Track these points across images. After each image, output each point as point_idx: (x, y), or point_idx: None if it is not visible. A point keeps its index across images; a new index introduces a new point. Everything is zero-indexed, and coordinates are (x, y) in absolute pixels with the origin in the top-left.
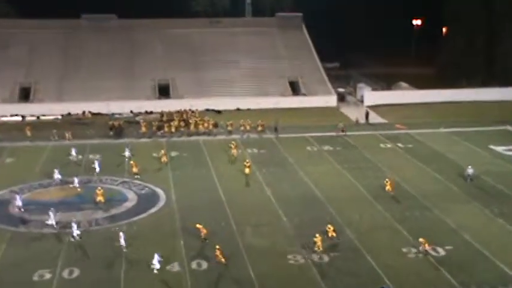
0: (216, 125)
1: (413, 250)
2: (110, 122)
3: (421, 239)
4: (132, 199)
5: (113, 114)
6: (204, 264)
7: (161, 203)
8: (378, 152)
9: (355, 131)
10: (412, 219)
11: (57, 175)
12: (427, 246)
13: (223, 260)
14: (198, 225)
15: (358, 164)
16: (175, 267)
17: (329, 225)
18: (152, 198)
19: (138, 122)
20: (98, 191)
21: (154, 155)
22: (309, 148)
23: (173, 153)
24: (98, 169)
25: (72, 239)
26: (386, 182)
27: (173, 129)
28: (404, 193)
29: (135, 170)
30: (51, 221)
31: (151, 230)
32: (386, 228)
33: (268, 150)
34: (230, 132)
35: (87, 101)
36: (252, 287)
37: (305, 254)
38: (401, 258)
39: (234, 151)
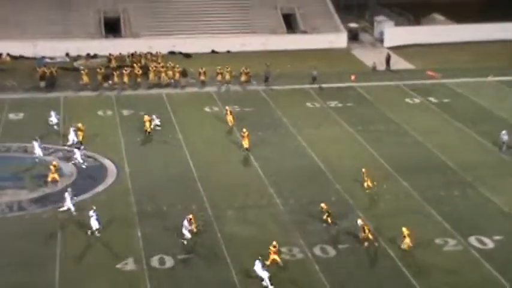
0: (184, 74)
1: (451, 242)
2: (40, 69)
3: (404, 230)
4: (70, 174)
5: (41, 58)
6: (169, 261)
7: (110, 180)
8: (403, 110)
9: (372, 81)
10: (449, 200)
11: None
12: (407, 240)
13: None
14: (189, 216)
15: (376, 126)
16: (129, 264)
17: (322, 205)
18: (98, 173)
19: (77, 69)
20: (52, 167)
21: (100, 113)
22: (309, 104)
23: (125, 112)
24: (55, 121)
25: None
26: (363, 173)
27: (125, 79)
28: (439, 165)
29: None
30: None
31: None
32: (414, 213)
33: (256, 108)
34: (203, 84)
35: (5, 39)
36: None
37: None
38: (434, 252)
39: (229, 117)
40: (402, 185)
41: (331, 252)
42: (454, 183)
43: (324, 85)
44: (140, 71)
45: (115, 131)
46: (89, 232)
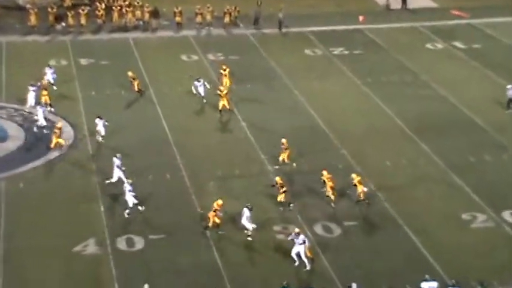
0: (155, 14)
1: (481, 217)
2: None
3: (354, 176)
4: (15, 138)
5: None
6: (139, 242)
7: (66, 144)
8: (423, 57)
9: (385, 23)
10: (478, 168)
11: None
12: (362, 188)
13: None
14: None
15: (389, 77)
16: (89, 247)
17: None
18: (50, 136)
19: (23, 9)
20: (56, 130)
21: (52, 63)
22: (309, 52)
23: (83, 61)
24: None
25: None
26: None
27: (83, 21)
28: (467, 124)
29: None
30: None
31: (48, 189)
32: (436, 182)
33: (243, 56)
34: (179, 26)
35: None
36: (218, 278)
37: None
38: (460, 229)
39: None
40: (421, 149)
41: (336, 230)
42: (484, 147)
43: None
44: (101, 11)
45: (71, 85)
46: (126, 212)
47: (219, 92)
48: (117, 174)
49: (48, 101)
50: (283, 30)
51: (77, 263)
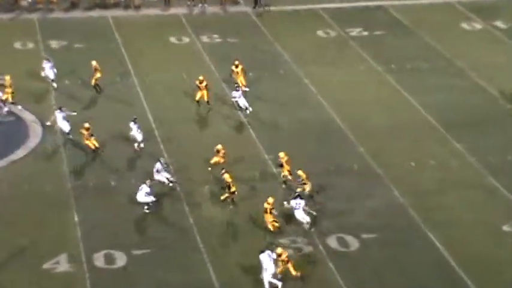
0: None
1: None
2: None
3: (281, 155)
4: None
5: None
6: (120, 258)
7: (33, 142)
8: (457, 39)
9: None
10: None
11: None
12: (286, 169)
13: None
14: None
15: (416, 63)
16: (61, 264)
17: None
18: (15, 133)
19: None
20: (84, 131)
21: (17, 46)
22: (321, 33)
23: (54, 44)
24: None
25: None
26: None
27: None
28: (509, 120)
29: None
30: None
31: (12, 195)
32: (472, 187)
33: (244, 39)
34: (167, 2)
35: None
36: None
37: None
38: (500, 243)
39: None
40: (454, 148)
41: (353, 244)
42: None
43: (270, 7)
44: None
45: (39, 73)
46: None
47: (197, 82)
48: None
49: (11, 100)
50: (261, 9)
51: (47, 283)
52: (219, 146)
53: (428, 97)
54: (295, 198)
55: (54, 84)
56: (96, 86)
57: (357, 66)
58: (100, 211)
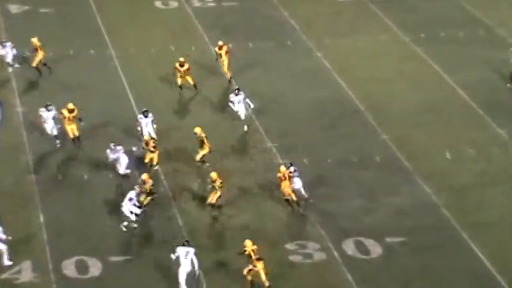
0: None
1: None
2: None
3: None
4: None
5: None
6: (94, 266)
7: None
8: (501, 3)
9: None
10: None
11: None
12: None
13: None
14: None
15: (450, 32)
16: (23, 273)
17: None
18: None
19: None
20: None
21: None
22: None
23: (14, 8)
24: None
25: None
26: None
27: None
28: None
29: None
30: None
31: None
32: None
33: (243, 1)
34: None
35: None
36: None
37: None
38: None
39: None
40: (496, 135)
41: (375, 249)
42: None
43: None
44: None
45: None
46: (124, 225)
47: (177, 65)
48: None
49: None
50: None
51: None
52: (198, 129)
53: (464, 73)
54: None
55: (9, 69)
56: (44, 65)
57: (379, 35)
58: (70, 210)
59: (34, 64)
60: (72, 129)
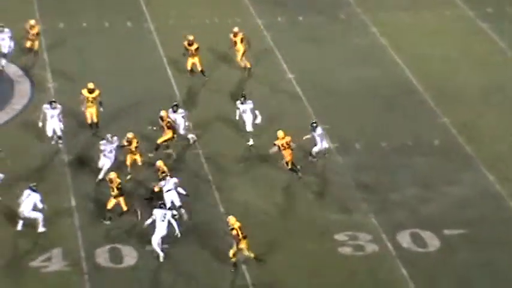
0: None
1: None
2: None
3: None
4: None
5: None
6: (130, 255)
7: (18, 104)
8: None
9: None
10: None
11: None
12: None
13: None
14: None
15: None
16: (53, 260)
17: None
18: (0, 91)
19: None
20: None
21: None
22: None
23: None
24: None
25: None
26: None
27: None
28: None
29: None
30: None
31: None
32: None
33: None
34: None
35: None
36: None
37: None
38: None
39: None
40: None
41: (432, 242)
42: None
43: None
44: None
45: (28, 13)
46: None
47: (186, 43)
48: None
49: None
50: None
51: (35, 284)
52: (162, 113)
53: None
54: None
55: (3, 62)
56: (30, 48)
57: (442, 10)
58: (104, 194)
59: (35, 48)
60: (91, 114)
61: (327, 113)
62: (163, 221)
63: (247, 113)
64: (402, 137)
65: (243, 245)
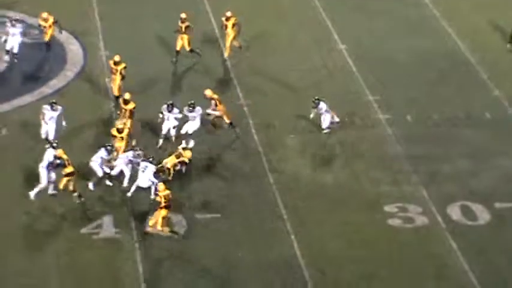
0: None
1: None
2: None
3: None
4: None
5: None
6: (179, 225)
7: (71, 72)
8: None
9: None
10: None
11: None
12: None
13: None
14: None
15: None
16: (104, 227)
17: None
18: (46, 61)
19: None
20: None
21: None
22: None
23: None
24: None
25: None
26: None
27: None
28: None
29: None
30: None
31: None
32: None
33: None
34: None
35: None
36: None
37: None
38: None
39: None
40: None
41: (482, 215)
42: None
43: None
44: None
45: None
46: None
47: (180, 22)
48: None
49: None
50: None
51: (85, 251)
52: (126, 97)
53: None
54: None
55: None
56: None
57: None
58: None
59: (47, 38)
60: (115, 87)
61: (378, 84)
62: (143, 172)
63: (196, 120)
64: (454, 109)
65: (163, 212)
